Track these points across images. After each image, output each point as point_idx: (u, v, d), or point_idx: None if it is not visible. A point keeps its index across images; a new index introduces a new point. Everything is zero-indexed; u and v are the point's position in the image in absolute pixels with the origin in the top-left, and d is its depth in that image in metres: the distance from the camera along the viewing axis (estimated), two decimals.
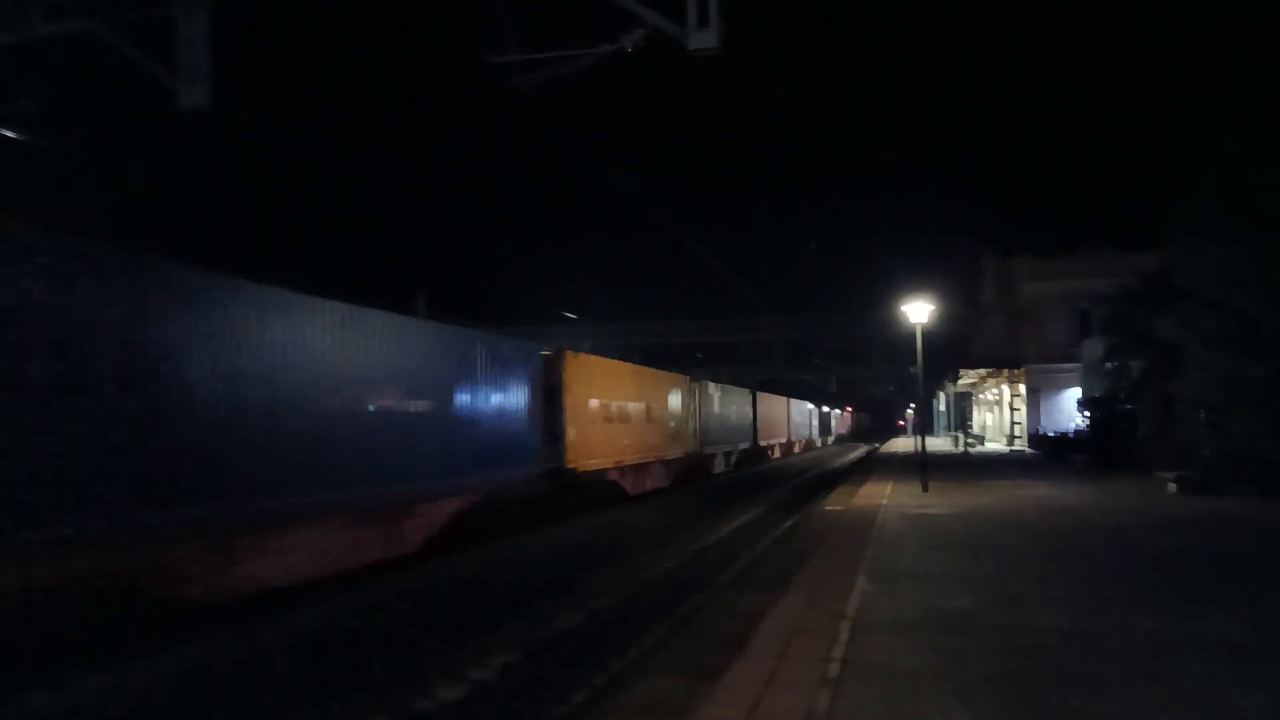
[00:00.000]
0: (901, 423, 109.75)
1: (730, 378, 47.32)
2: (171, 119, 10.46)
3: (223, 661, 8.41)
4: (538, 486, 18.09)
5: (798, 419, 62.28)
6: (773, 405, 50.51)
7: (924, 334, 21.32)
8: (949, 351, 50.31)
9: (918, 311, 20.58)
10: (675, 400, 29.46)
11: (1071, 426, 35.31)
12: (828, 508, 18.52)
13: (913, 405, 77.07)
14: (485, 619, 10.05)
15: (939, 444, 53.36)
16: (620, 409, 23.23)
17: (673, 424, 28.88)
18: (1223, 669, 6.23)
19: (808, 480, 33.83)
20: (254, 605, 10.32)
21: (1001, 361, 44.88)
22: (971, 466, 31.18)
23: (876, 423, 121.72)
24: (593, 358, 23.85)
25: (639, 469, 25.21)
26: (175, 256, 10.38)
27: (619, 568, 13.48)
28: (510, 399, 17.10)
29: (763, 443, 45.95)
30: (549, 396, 18.81)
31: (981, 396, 60.11)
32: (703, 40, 9.09)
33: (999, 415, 51.44)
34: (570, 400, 19.58)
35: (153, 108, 11.08)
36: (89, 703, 7.25)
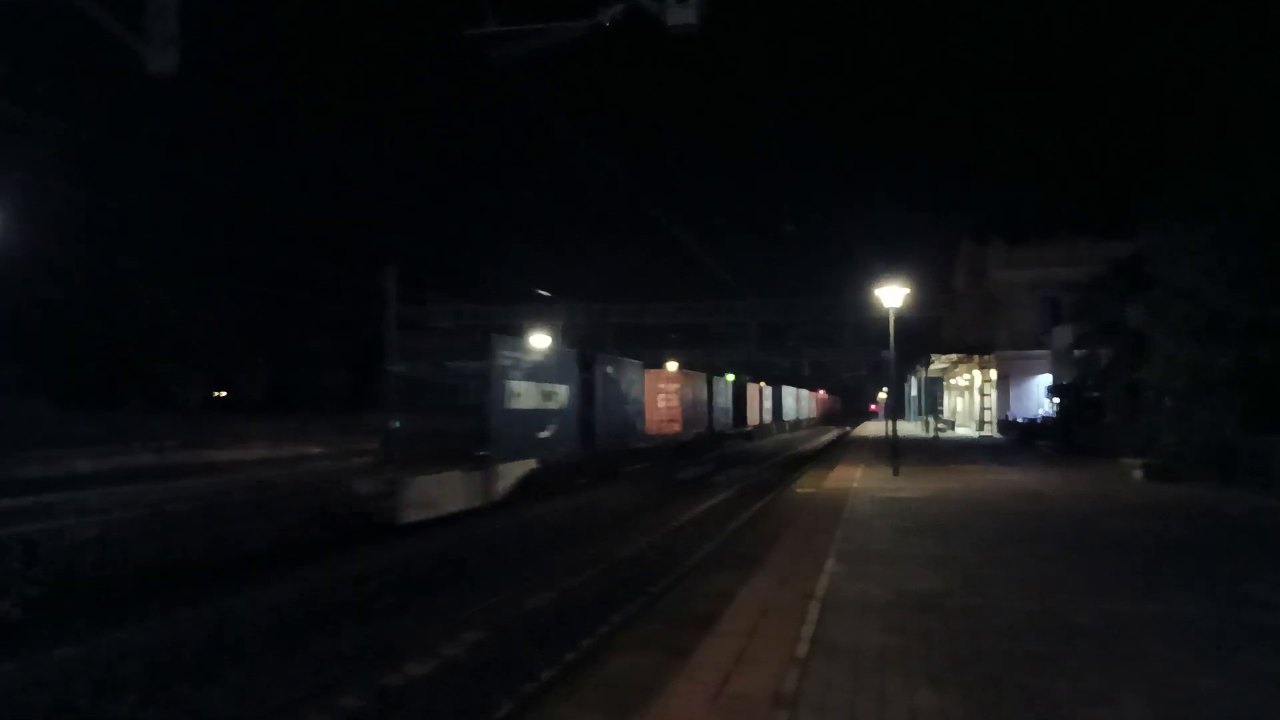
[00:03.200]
0: (873, 407, 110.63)
1: (704, 360, 47.43)
2: (141, 83, 10.25)
3: (193, 635, 8.36)
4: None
5: (772, 404, 68.19)
6: (753, 392, 57.06)
7: (897, 318, 21.43)
8: (922, 336, 50.67)
9: (891, 295, 20.67)
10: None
11: (1040, 413, 35.74)
12: (799, 490, 18.65)
13: (884, 389, 77.69)
14: (458, 596, 10.04)
15: (910, 428, 53.83)
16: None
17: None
18: (1182, 649, 6.35)
19: (780, 461, 34.00)
20: (229, 578, 10.25)
21: (973, 347, 45.27)
22: (941, 451, 31.48)
23: (848, 406, 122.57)
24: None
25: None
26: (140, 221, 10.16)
27: (592, 547, 13.50)
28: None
29: (812, 416, 60.89)
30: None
31: (952, 382, 60.66)
32: (682, 16, 8.99)
33: (969, 401, 51.96)
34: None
35: (122, 72, 10.86)
36: (53, 676, 7.18)
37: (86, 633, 8.20)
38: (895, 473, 20.42)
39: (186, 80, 9.96)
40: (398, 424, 17.21)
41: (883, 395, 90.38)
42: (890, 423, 26.33)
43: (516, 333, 32.10)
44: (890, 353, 22.29)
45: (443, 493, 15.43)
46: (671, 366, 43.04)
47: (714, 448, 38.40)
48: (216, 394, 49.82)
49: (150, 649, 7.95)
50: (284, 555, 12.11)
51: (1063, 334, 32.81)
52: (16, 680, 7.09)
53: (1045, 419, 33.58)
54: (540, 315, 47.65)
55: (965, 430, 49.71)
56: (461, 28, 9.76)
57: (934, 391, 61.08)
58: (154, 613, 8.97)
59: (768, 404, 68.07)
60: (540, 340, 27.34)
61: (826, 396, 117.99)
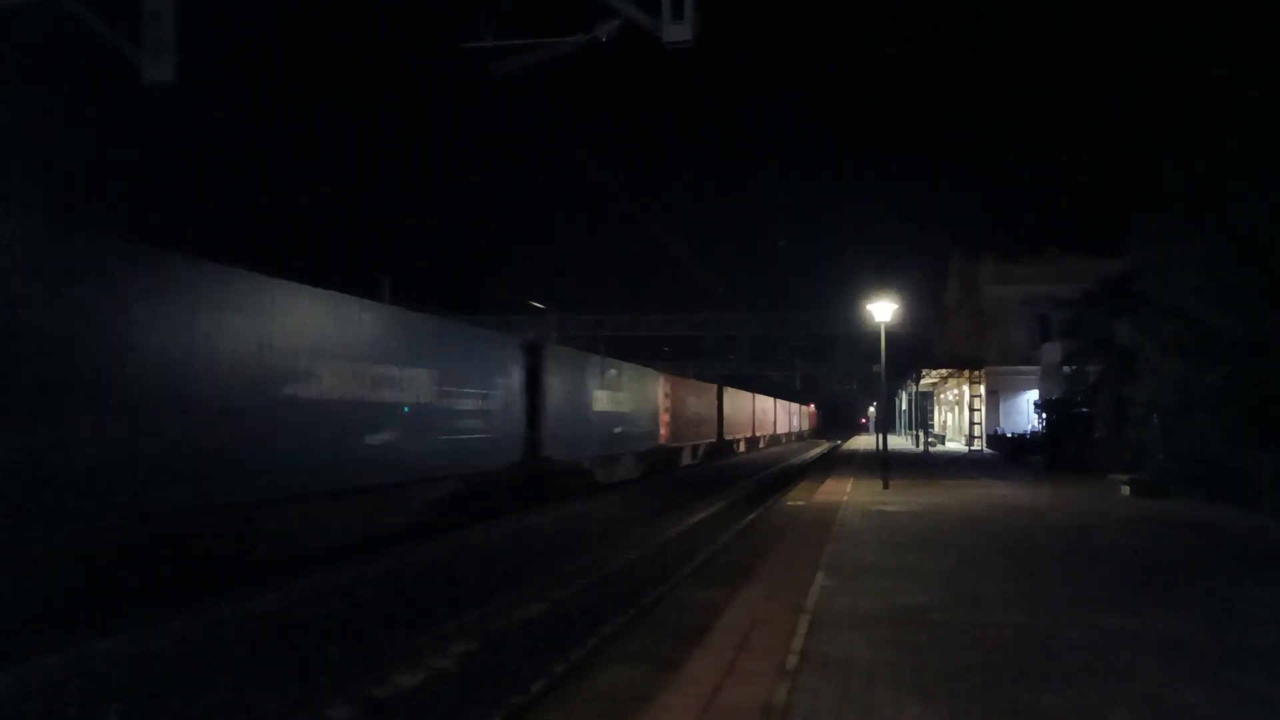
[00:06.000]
0: (863, 420, 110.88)
1: (696, 373, 47.51)
2: (136, 93, 10.26)
3: (179, 645, 8.32)
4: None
5: (782, 415, 68.85)
6: (764, 404, 57.80)
7: (888, 333, 21.53)
8: (912, 351, 50.90)
9: (882, 310, 20.77)
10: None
11: (1029, 428, 35.85)
12: (789, 503, 18.69)
13: (875, 403, 77.82)
14: (447, 607, 10.02)
15: (900, 442, 53.95)
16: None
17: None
18: (1171, 665, 6.38)
19: (773, 474, 34.00)
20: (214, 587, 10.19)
21: (963, 362, 45.44)
22: (931, 465, 31.57)
23: (839, 420, 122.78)
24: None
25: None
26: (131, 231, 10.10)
27: (582, 558, 13.49)
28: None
29: (756, 434, 53.89)
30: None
31: (943, 396, 60.82)
32: (677, 33, 9.07)
33: (959, 415, 52.08)
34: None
35: (117, 81, 10.88)
36: (40, 685, 7.14)
37: (75, 641, 8.15)
38: (885, 486, 20.49)
39: (182, 88, 9.98)
40: None
41: (873, 410, 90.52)
42: (880, 436, 26.39)
43: None
44: (881, 367, 22.37)
45: None
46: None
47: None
48: None
49: (137, 658, 7.91)
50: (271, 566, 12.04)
51: (1052, 350, 32.96)
52: (1, 689, 7.04)
53: (1034, 434, 33.69)
54: (533, 327, 47.71)
55: (955, 444, 49.81)
56: (459, 41, 9.82)
57: (924, 406, 61.23)
58: (140, 621, 8.92)
59: (792, 418, 64.59)
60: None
61: (818, 410, 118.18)
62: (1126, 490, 19.12)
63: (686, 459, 36.36)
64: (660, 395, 31.66)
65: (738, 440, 49.16)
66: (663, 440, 31.71)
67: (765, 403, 62.13)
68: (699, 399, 38.85)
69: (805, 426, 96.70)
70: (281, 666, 7.82)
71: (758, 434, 57.38)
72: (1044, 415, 31.42)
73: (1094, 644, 6.96)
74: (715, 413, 42.04)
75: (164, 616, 9.04)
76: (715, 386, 42.87)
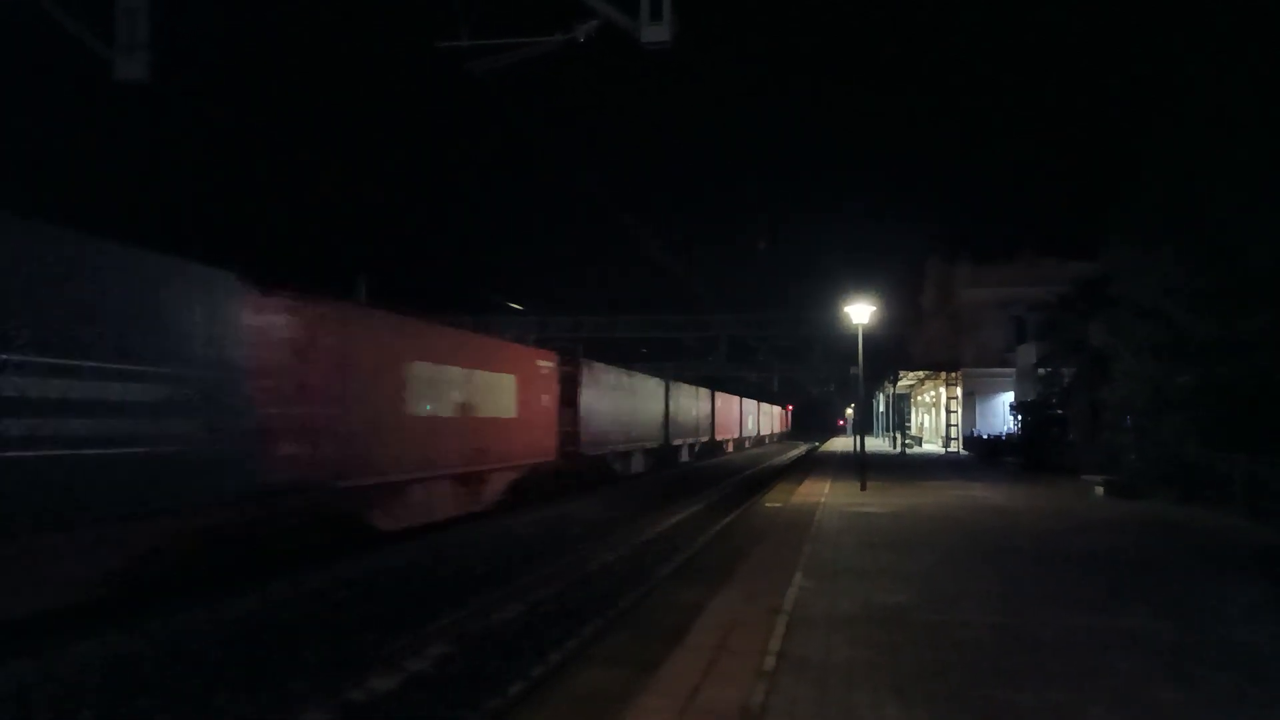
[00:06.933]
0: (841, 422, 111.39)
1: (675, 374, 47.49)
2: (108, 90, 10.13)
3: (152, 649, 8.22)
4: None
5: (761, 417, 65.03)
6: (692, 400, 51.52)
7: (865, 335, 21.62)
8: (889, 353, 51.14)
9: (860, 312, 20.86)
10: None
11: (1005, 430, 36.13)
12: (768, 504, 18.71)
13: (852, 405, 78.07)
14: (424, 609, 9.95)
15: (877, 444, 54.23)
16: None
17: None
18: (1144, 663, 6.44)
19: (751, 476, 34.06)
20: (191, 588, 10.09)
21: (940, 364, 45.72)
22: (908, 467, 31.72)
23: (817, 422, 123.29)
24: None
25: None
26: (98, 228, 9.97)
27: (561, 559, 13.45)
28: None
29: (674, 441, 40.09)
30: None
31: (920, 398, 61.16)
32: (655, 33, 9.07)
33: (936, 417, 52.41)
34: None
35: (89, 78, 10.74)
36: (10, 690, 7.03)
37: (45, 645, 8.03)
38: (863, 487, 20.57)
39: (157, 87, 9.87)
40: None
41: (850, 411, 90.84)
42: (858, 438, 26.50)
43: None
44: (859, 369, 22.45)
45: None
46: None
47: None
48: None
49: (110, 662, 7.81)
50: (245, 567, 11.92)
51: (1028, 352, 33.24)
52: None
53: (1009, 436, 33.95)
54: (512, 327, 47.58)
55: (932, 446, 50.12)
56: (435, 40, 9.76)
57: (901, 407, 61.55)
58: (114, 625, 8.81)
59: (768, 419, 59.67)
60: None
61: (796, 411, 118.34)
62: (1100, 491, 19.29)
63: (418, 506, 15.10)
64: (284, 356, 11.53)
65: (629, 452, 29.93)
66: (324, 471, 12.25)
67: (694, 399, 43.29)
68: (501, 376, 18.64)
69: (774, 429, 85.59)
70: (256, 669, 7.73)
71: (677, 440, 38.52)
72: (1019, 417, 31.68)
73: (1070, 643, 7.01)
74: (554, 404, 22.13)
75: (138, 620, 8.93)
76: (554, 355, 22.65)
